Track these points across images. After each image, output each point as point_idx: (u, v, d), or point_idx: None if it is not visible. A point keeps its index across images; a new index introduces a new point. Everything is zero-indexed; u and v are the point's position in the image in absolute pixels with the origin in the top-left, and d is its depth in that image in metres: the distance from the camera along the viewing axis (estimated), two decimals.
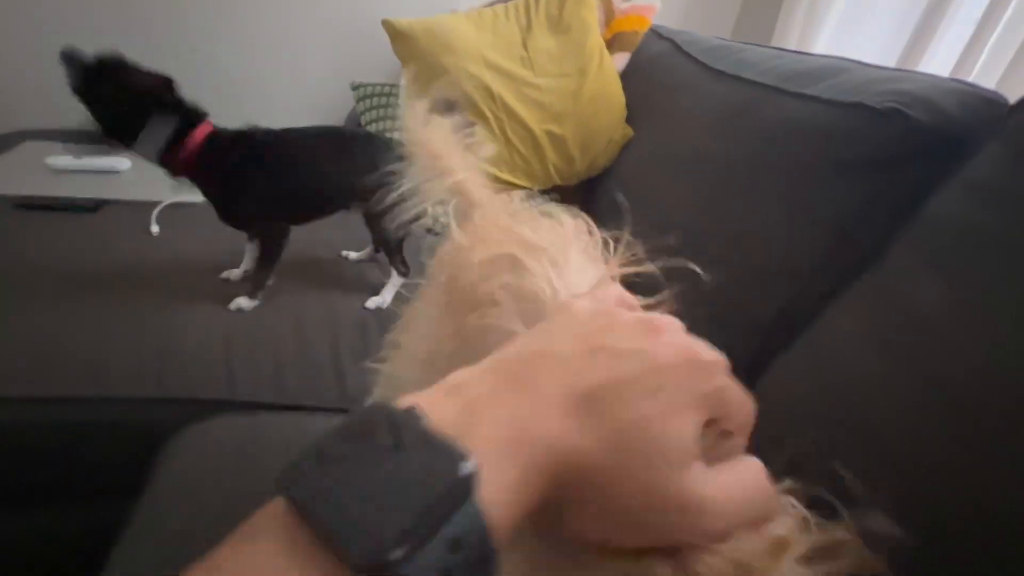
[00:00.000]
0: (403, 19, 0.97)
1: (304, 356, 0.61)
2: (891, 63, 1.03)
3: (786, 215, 0.65)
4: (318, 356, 0.61)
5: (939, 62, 0.98)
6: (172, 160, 0.62)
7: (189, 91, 0.69)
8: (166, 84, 0.63)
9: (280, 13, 1.21)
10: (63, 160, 0.90)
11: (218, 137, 0.64)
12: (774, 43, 1.20)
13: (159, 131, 0.61)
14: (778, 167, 0.66)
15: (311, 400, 0.57)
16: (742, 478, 0.16)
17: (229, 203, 0.67)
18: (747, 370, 0.66)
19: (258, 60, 1.25)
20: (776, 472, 0.17)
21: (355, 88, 1.10)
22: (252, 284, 0.67)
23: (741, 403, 0.17)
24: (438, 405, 0.14)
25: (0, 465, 0.54)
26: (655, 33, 1.08)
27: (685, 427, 0.15)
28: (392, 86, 1.08)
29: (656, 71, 1.02)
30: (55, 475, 0.56)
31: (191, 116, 0.63)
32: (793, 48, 1.10)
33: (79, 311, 0.61)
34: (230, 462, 0.49)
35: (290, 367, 0.59)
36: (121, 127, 0.61)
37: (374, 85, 1.09)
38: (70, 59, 0.59)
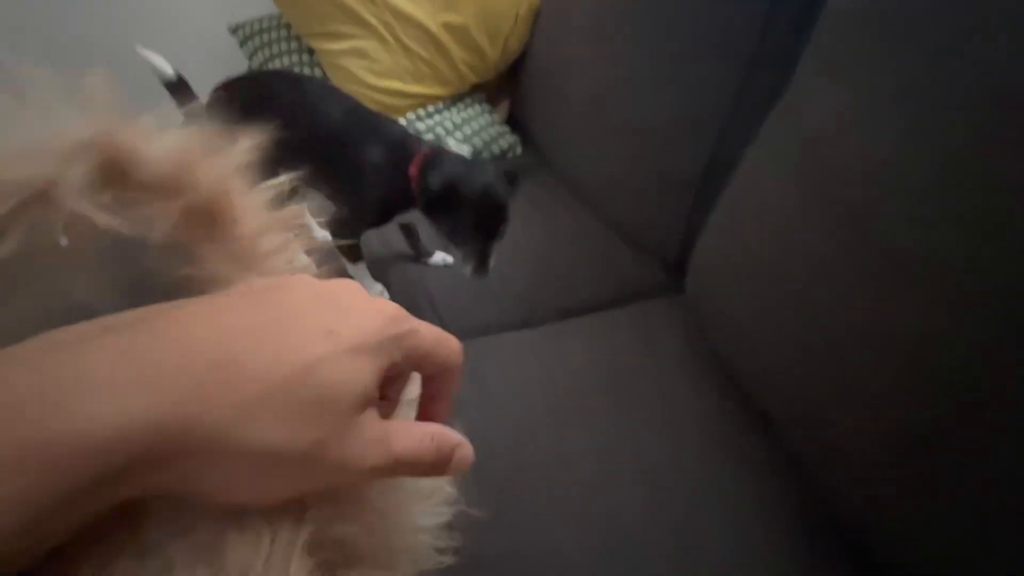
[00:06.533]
0: None
1: None
2: None
3: (694, 56, 0.59)
4: None
5: None
6: None
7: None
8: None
9: None
10: None
11: None
12: None
13: None
14: (681, 9, 0.59)
15: None
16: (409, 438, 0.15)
17: None
18: (686, 235, 0.65)
19: (134, 15, 1.12)
20: None
21: (234, 31, 1.00)
22: None
23: (436, 342, 0.17)
24: None
25: None
26: None
27: (357, 373, 0.14)
28: (272, 18, 0.97)
29: None
30: None
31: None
32: None
33: None
34: None
35: None
36: None
37: (252, 23, 0.98)
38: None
